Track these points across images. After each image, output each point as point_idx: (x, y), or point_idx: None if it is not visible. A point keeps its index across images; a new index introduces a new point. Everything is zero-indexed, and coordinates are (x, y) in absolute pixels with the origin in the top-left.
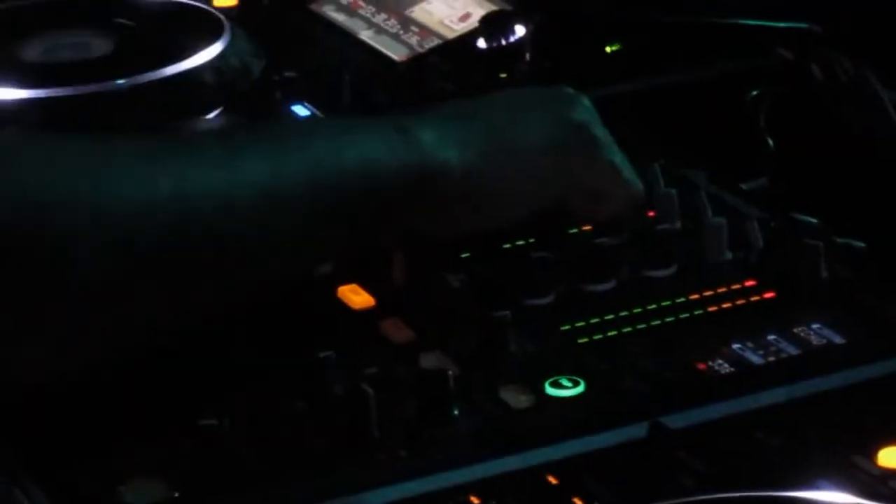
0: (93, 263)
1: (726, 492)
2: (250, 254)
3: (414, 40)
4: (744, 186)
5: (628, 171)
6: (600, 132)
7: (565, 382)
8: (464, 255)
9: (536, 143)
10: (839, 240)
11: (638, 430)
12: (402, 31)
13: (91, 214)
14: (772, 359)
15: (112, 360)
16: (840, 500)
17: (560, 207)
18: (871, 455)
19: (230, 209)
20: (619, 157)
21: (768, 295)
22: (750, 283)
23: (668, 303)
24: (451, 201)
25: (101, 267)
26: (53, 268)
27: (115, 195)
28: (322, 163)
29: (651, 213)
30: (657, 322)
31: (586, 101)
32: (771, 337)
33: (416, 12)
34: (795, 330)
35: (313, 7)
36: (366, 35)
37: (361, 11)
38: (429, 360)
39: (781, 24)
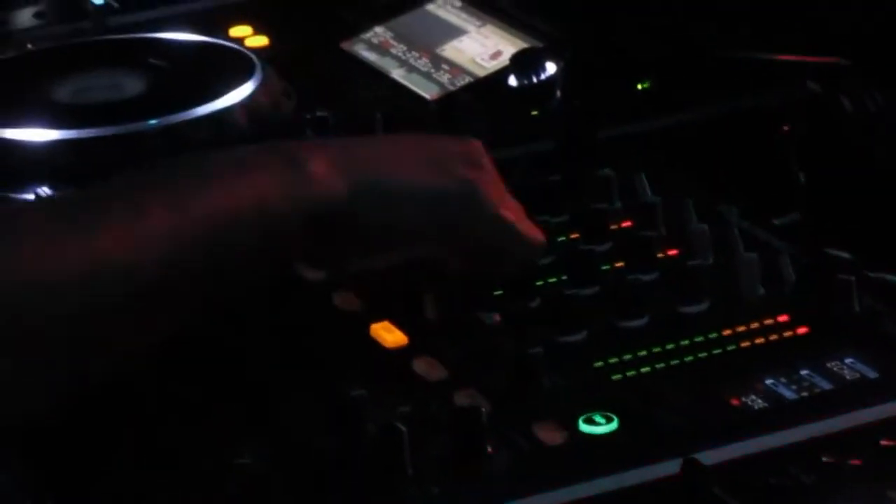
0: None
1: None
2: (153, 310)
3: (445, 78)
4: (776, 221)
5: (524, 226)
6: (490, 188)
7: (599, 419)
8: (497, 293)
9: (415, 186)
10: (872, 274)
11: (672, 467)
12: (433, 70)
13: None
14: (805, 394)
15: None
16: None
17: (448, 256)
18: None
19: (133, 269)
20: (511, 212)
21: (801, 330)
22: (783, 318)
23: (701, 338)
24: (335, 234)
25: None
26: None
27: None
28: (219, 208)
29: (683, 249)
30: (690, 358)
31: (481, 157)
32: (804, 372)
33: (448, 50)
34: (829, 365)
35: (345, 46)
36: (397, 74)
37: (393, 50)
38: (462, 398)
39: (810, 58)
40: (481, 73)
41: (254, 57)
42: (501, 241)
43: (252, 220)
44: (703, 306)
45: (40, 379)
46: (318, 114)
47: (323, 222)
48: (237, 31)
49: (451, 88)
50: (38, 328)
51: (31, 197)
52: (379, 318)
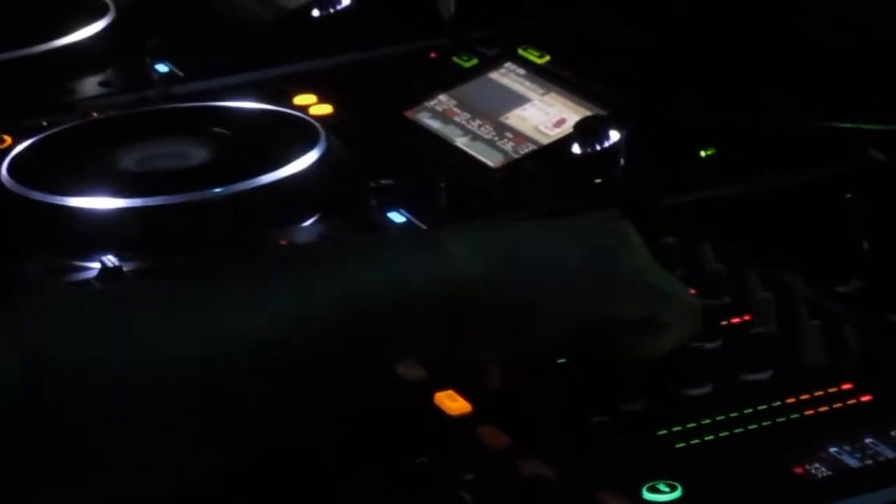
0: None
1: None
2: (282, 390)
3: (509, 146)
4: (840, 289)
5: (676, 287)
6: (636, 259)
7: (662, 487)
8: (560, 361)
9: (563, 264)
10: None
11: None
12: (496, 138)
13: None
14: (869, 462)
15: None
16: None
17: (605, 335)
18: None
19: (261, 350)
20: (662, 278)
21: (865, 398)
22: (846, 385)
23: (764, 406)
24: (479, 315)
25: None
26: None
27: (144, 353)
28: (355, 290)
29: (747, 317)
30: (754, 426)
31: (626, 229)
32: (868, 440)
33: (511, 119)
34: (893, 433)
35: (409, 114)
36: (461, 142)
37: (456, 118)
38: (526, 466)
39: (873, 126)
40: (545, 140)
41: (318, 125)
42: (654, 309)
43: (395, 301)
44: (767, 374)
45: (225, 437)
46: (383, 182)
47: (463, 304)
48: (301, 99)
49: (515, 156)
50: (229, 385)
51: (96, 265)
52: (443, 387)
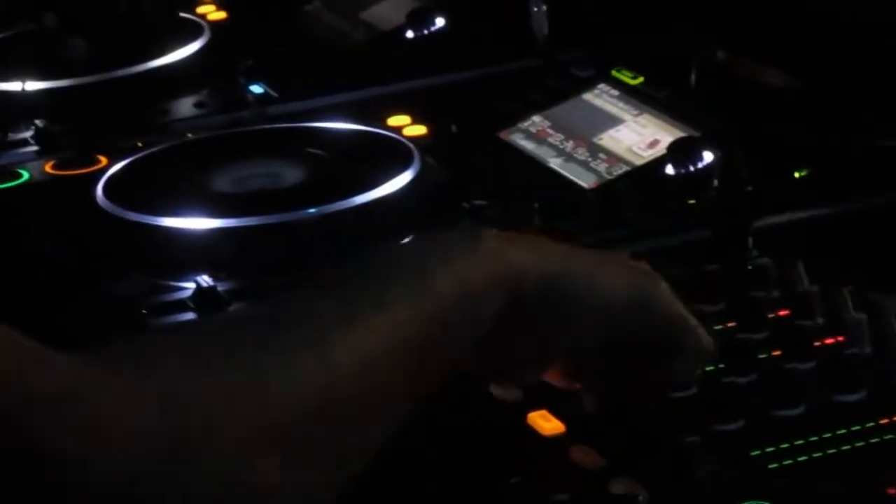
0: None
1: None
2: (365, 411)
3: (602, 167)
4: None
5: (700, 328)
6: (671, 291)
7: None
8: None
9: (609, 273)
10: None
11: None
12: (590, 159)
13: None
14: None
15: None
16: None
17: (635, 348)
18: None
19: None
20: (691, 316)
21: None
22: None
23: (857, 427)
24: (529, 309)
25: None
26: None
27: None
28: (422, 293)
29: (841, 338)
30: (847, 447)
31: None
32: None
33: (605, 140)
34: None
35: (502, 135)
36: (555, 163)
37: (550, 139)
38: (619, 486)
39: None
40: (638, 161)
41: (412, 146)
42: (679, 337)
43: (458, 303)
44: (860, 395)
45: (303, 479)
46: (476, 203)
47: (514, 303)
48: (395, 120)
49: (609, 177)
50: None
51: (190, 285)
52: (536, 407)
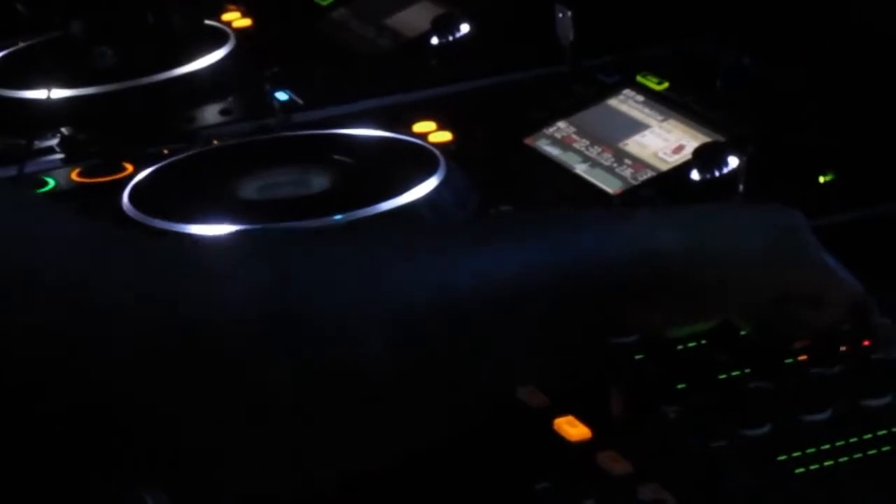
0: (384, 356)
1: None
2: (503, 351)
3: (628, 173)
4: None
5: (844, 273)
6: (812, 238)
7: None
8: (680, 386)
9: (751, 237)
10: None
11: None
12: (616, 165)
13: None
14: None
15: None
16: None
17: (779, 310)
18: None
19: (488, 304)
20: (832, 261)
21: None
22: None
23: (884, 432)
24: (673, 286)
25: (391, 362)
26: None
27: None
28: (563, 254)
29: (867, 343)
30: (874, 451)
31: (796, 211)
32: None
33: (630, 145)
34: None
35: (528, 141)
36: (580, 169)
37: (575, 145)
38: (646, 492)
39: None
40: (664, 167)
41: (437, 152)
42: (827, 287)
43: (592, 261)
44: (887, 399)
45: (412, 373)
46: (502, 209)
47: (658, 279)
48: (421, 126)
49: (634, 183)
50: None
51: None
52: (563, 413)
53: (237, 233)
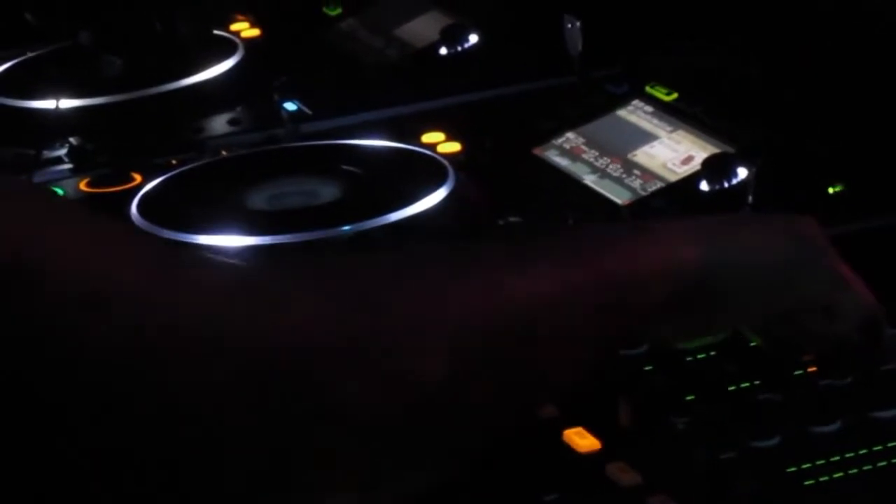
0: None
1: None
2: (542, 367)
3: (637, 184)
4: None
5: (859, 285)
6: (829, 247)
7: None
8: (689, 398)
9: (770, 249)
10: None
11: None
12: (624, 175)
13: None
14: None
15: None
16: None
17: (792, 321)
18: None
19: (534, 322)
20: (848, 272)
21: None
22: None
23: (893, 444)
24: (693, 300)
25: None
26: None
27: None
28: (596, 273)
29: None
30: (883, 463)
31: (812, 220)
32: None
33: (639, 156)
34: None
35: (537, 152)
36: (589, 179)
37: (584, 156)
38: (655, 502)
39: None
40: (673, 178)
41: (446, 163)
42: (840, 298)
43: (618, 289)
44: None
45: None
46: (511, 219)
47: (679, 294)
48: (429, 137)
49: (643, 194)
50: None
51: None
52: (572, 424)
53: (290, 258)
